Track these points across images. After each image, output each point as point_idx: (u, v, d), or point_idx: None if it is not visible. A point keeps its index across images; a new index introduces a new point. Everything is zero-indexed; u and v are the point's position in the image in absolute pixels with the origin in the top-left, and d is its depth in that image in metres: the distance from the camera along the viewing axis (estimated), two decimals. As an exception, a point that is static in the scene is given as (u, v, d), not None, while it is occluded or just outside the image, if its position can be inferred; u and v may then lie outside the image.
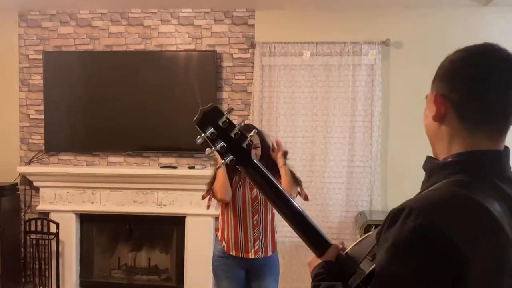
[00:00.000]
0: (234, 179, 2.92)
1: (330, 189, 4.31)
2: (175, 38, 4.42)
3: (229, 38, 4.38)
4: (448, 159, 1.06)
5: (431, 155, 1.14)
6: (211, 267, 4.29)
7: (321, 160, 4.29)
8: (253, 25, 4.34)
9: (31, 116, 4.59)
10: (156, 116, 4.38)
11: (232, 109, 1.29)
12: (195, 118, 1.24)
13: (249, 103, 4.37)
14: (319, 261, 1.29)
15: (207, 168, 4.34)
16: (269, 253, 2.93)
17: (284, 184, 2.83)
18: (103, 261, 4.71)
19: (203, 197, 3.01)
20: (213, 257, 3.06)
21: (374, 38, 4.19)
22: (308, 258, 1.36)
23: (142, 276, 4.66)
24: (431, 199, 0.97)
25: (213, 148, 1.24)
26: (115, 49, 4.47)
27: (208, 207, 3.03)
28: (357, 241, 1.30)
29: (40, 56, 4.50)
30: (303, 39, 4.25)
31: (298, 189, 2.97)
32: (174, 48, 4.42)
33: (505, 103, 1.02)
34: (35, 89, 4.56)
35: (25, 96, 4.58)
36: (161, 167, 4.41)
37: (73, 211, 4.45)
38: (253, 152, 2.86)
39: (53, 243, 4.37)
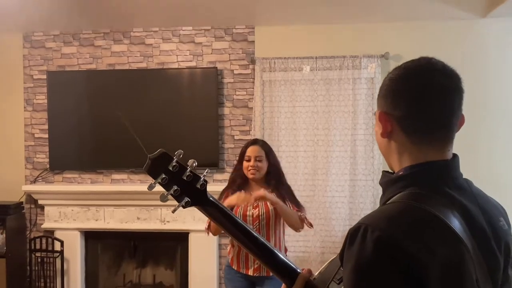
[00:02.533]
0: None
1: (333, 203, 4.31)
2: (177, 55, 4.48)
3: (229, 54, 4.43)
4: (400, 173, 1.09)
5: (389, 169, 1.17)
6: (215, 282, 4.34)
7: (323, 174, 4.30)
8: (253, 41, 4.39)
9: (36, 135, 4.65)
10: (159, 133, 4.41)
11: (181, 152, 1.27)
12: (144, 166, 1.25)
13: (250, 118, 4.40)
14: None
15: (210, 184, 4.34)
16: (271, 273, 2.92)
17: (288, 223, 2.90)
18: (108, 279, 4.73)
19: (206, 230, 3.06)
20: (225, 267, 3.18)
21: (373, 51, 4.22)
22: None
23: (148, 293, 4.68)
24: (386, 214, 1.00)
25: (167, 193, 1.25)
26: (117, 67, 4.53)
27: (208, 233, 3.06)
28: (324, 265, 1.31)
29: (44, 76, 4.58)
30: (302, 54, 4.28)
31: (303, 216, 2.95)
32: (175, 66, 4.48)
33: (444, 114, 1.06)
34: (39, 109, 4.62)
35: (30, 116, 4.64)
36: (164, 183, 4.42)
37: (77, 229, 4.48)
38: (249, 169, 2.91)
39: (58, 261, 4.40)
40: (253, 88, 4.38)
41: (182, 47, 4.47)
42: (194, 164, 1.27)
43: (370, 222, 0.97)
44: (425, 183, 1.04)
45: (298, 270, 1.34)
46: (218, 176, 4.45)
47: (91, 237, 4.57)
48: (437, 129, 1.07)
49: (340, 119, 4.29)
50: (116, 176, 4.58)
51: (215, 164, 4.37)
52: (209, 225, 3.00)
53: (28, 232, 4.62)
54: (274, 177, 3.04)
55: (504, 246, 1.08)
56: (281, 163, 4.24)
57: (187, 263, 4.41)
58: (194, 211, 4.25)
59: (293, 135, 4.34)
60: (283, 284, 1.35)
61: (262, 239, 1.35)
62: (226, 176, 4.39)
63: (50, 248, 4.43)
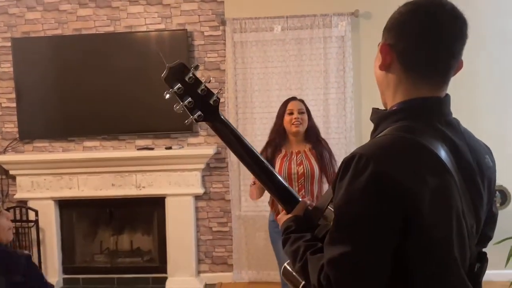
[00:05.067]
0: (278, 155, 3.07)
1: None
2: (145, 18, 4.39)
3: (199, 16, 4.36)
4: (393, 108, 1.11)
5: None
6: (193, 244, 4.38)
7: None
8: (223, 2, 4.32)
9: (3, 105, 4.53)
10: (130, 98, 4.35)
11: (198, 65, 1.29)
12: (162, 74, 1.26)
13: (223, 80, 4.37)
14: (288, 216, 1.33)
15: (184, 148, 4.35)
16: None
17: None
18: (85, 246, 4.71)
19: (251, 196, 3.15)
20: (268, 222, 3.25)
21: (343, 9, 4.22)
22: (279, 215, 1.40)
23: (125, 259, 4.67)
24: (379, 145, 1.03)
25: (181, 103, 1.26)
26: (84, 32, 4.42)
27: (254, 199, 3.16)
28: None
29: (9, 44, 4.43)
30: (273, 13, 4.25)
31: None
32: (144, 29, 4.39)
33: (447, 55, 1.09)
34: (5, 77, 4.49)
35: (-5, 85, 4.51)
36: (137, 149, 4.40)
37: (51, 198, 4.43)
38: (293, 122, 2.99)
39: (33, 230, 4.35)
40: (224, 50, 4.34)
41: (150, 9, 4.38)
42: (210, 79, 1.29)
43: (364, 151, 1.00)
44: (417, 118, 1.07)
45: (299, 198, 1.38)
46: (192, 140, 4.43)
47: (66, 206, 4.53)
48: (434, 68, 1.09)
49: (313, 79, 4.30)
50: (88, 143, 4.52)
51: (188, 128, 4.35)
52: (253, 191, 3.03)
53: (0, 203, 4.54)
54: (313, 133, 3.15)
55: (487, 182, 1.13)
56: (255, 124, 4.31)
57: (164, 228, 4.42)
58: (169, 176, 4.26)
59: (266, 96, 4.33)
60: (283, 210, 1.38)
61: (267, 164, 1.37)
62: (201, 139, 4.41)
63: (24, 218, 4.38)
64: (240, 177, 4.35)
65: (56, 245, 4.49)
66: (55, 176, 4.39)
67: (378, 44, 1.17)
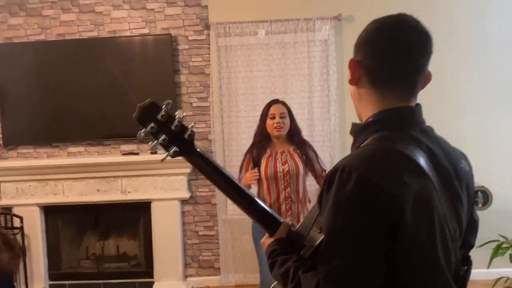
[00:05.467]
0: (263, 155, 3.14)
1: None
2: (128, 23, 4.38)
3: (183, 20, 4.37)
4: (369, 119, 1.15)
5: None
6: (180, 249, 4.37)
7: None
8: (206, 6, 4.34)
9: (-14, 111, 4.50)
10: (115, 103, 4.35)
11: (170, 102, 1.29)
12: (134, 115, 1.26)
13: (208, 85, 4.38)
14: (271, 239, 1.35)
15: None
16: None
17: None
18: (71, 252, 4.69)
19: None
20: (252, 224, 3.24)
21: (326, 13, 4.26)
22: (262, 239, 1.41)
23: (112, 264, 4.66)
24: (360, 155, 1.06)
25: (156, 141, 1.27)
26: (67, 37, 4.40)
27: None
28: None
29: (-9, 49, 4.40)
30: (257, 18, 4.27)
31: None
32: (128, 34, 4.39)
33: (412, 69, 1.13)
34: (-12, 83, 4.46)
35: (-22, 91, 4.47)
36: (122, 154, 4.39)
37: (36, 204, 4.41)
38: (275, 126, 3.06)
39: (18, 237, 4.31)
40: (209, 54, 4.35)
41: (134, 13, 4.38)
42: (183, 115, 1.30)
43: (347, 163, 1.03)
44: (392, 127, 1.11)
45: (281, 220, 1.39)
46: (177, 144, 4.43)
47: (51, 212, 4.51)
48: (399, 83, 1.13)
49: (297, 82, 4.33)
50: (72, 149, 4.50)
51: (174, 132, 4.35)
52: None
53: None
54: (296, 134, 3.23)
55: (465, 187, 1.16)
56: (240, 128, 4.32)
57: (150, 233, 4.42)
58: (155, 181, 4.26)
59: (251, 100, 4.35)
60: (266, 234, 1.39)
61: (247, 190, 1.40)
62: (186, 143, 4.40)
63: (9, 225, 4.34)
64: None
65: (42, 252, 4.47)
66: (40, 182, 4.36)
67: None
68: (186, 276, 4.51)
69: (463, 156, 1.23)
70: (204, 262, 4.53)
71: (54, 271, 4.55)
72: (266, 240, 1.37)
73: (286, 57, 4.33)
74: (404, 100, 1.13)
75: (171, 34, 4.33)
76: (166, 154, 1.30)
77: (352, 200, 0.98)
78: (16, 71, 4.38)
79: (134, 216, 4.57)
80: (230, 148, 4.33)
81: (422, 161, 1.05)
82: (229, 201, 4.29)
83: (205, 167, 1.36)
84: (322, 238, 1.11)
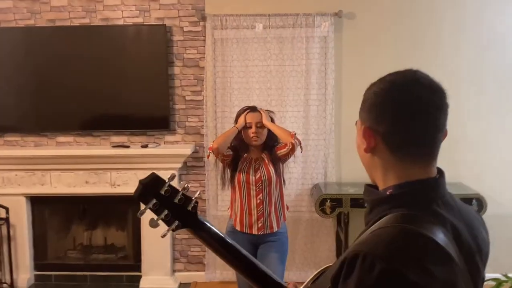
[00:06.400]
0: (240, 160, 3.10)
1: (286, 162, 4.29)
2: (122, 11, 4.23)
3: (178, 10, 4.22)
4: (388, 191, 1.06)
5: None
6: (169, 241, 4.34)
7: (276, 135, 4.26)
8: (203, -3, 4.20)
9: (-28, 96, 4.36)
10: (106, 93, 4.24)
11: (174, 175, 1.23)
12: (134, 192, 1.19)
13: (202, 78, 4.27)
14: None
15: (161, 147, 4.26)
16: (275, 229, 3.10)
17: (280, 136, 3.08)
18: (58, 242, 4.62)
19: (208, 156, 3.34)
20: (225, 233, 3.16)
21: (326, 9, 4.13)
22: None
23: (99, 255, 4.61)
24: (383, 240, 0.97)
25: (157, 218, 1.20)
26: (58, 23, 4.25)
27: (208, 156, 3.37)
28: (308, 279, 1.28)
29: (-22, 33, 4.24)
30: (255, 11, 4.14)
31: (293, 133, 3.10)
32: (121, 22, 4.24)
33: (429, 131, 1.04)
34: (-26, 68, 4.31)
35: (-36, 75, 4.32)
36: (112, 146, 4.29)
37: (23, 194, 4.31)
38: (251, 137, 3.03)
39: (4, 228, 4.24)
40: (204, 46, 4.23)
41: (128, 1, 4.22)
42: (187, 186, 1.24)
43: (368, 250, 0.94)
44: (415, 203, 1.02)
45: (284, 286, 1.33)
46: (169, 138, 4.34)
47: (38, 202, 4.42)
48: (422, 146, 1.05)
49: (293, 79, 4.23)
50: (61, 138, 4.39)
51: (166, 126, 4.26)
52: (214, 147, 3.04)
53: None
54: (271, 142, 3.16)
55: (484, 256, 1.10)
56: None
57: (139, 225, 4.35)
58: (145, 175, 4.16)
59: (246, 95, 4.25)
60: None
61: (251, 259, 1.34)
62: (178, 137, 4.33)
63: (-6, 214, 4.26)
64: (217, 176, 4.27)
65: (28, 242, 4.39)
66: (27, 172, 4.26)
67: (356, 122, 1.13)
68: (174, 271, 4.46)
69: (481, 222, 1.17)
70: (192, 257, 4.49)
71: (40, 262, 4.48)
72: None
73: (283, 52, 4.22)
74: (426, 166, 1.05)
75: (165, 24, 4.19)
76: (167, 229, 1.22)
77: None
78: (4, 57, 4.24)
79: (123, 209, 4.50)
80: (223, 144, 4.23)
81: (446, 242, 0.98)
82: (220, 197, 4.28)
83: (209, 238, 1.31)
84: None
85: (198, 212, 1.27)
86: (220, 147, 3.01)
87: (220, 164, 3.19)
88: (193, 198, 1.24)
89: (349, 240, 3.85)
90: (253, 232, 3.07)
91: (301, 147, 3.19)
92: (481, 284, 1.11)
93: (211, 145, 3.06)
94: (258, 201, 3.06)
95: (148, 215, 1.22)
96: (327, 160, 4.30)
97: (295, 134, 3.09)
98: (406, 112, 1.02)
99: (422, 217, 1.00)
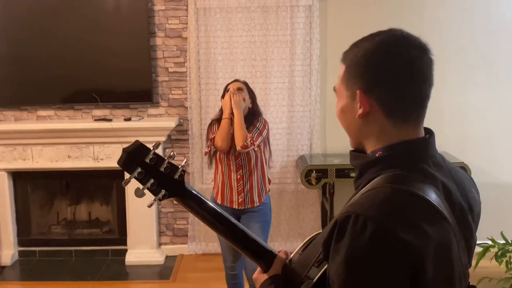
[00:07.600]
0: None
1: (271, 134, 4.26)
2: (101, -20, 4.11)
3: (159, -21, 4.12)
4: (378, 153, 1.04)
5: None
6: (154, 214, 4.31)
7: (261, 106, 4.19)
8: (185, -36, 4.09)
9: None
10: (87, 65, 4.13)
11: (159, 142, 1.19)
12: (118, 160, 1.14)
13: (185, 49, 4.19)
14: (265, 276, 1.26)
15: (144, 120, 4.20)
16: (256, 204, 3.08)
17: (236, 131, 2.95)
18: (41, 218, 4.56)
19: (206, 153, 3.16)
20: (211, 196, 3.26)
21: (311, -22, 4.05)
22: (254, 274, 1.33)
23: (83, 230, 4.57)
24: (375, 201, 0.95)
25: (143, 187, 1.16)
26: (35, -7, 4.11)
27: (205, 153, 3.16)
28: (299, 246, 1.27)
29: (-49, 3, 4.09)
30: (238, -21, 4.05)
31: (250, 137, 3.00)
32: (100, -9, 4.12)
33: (423, 92, 1.03)
34: (-52, 40, 4.17)
35: None
36: (95, 120, 4.22)
37: (4, 170, 4.23)
38: (232, 93, 2.88)
39: (-15, 203, 4.17)
40: (186, 16, 4.14)
41: (107, -30, 4.10)
42: (172, 154, 1.19)
43: (360, 211, 0.92)
44: (405, 164, 1.01)
45: (275, 253, 1.30)
46: (152, 110, 4.28)
47: (20, 177, 4.35)
48: (415, 108, 1.04)
49: (278, 50, 4.18)
50: (42, 112, 4.29)
51: (149, 99, 4.19)
52: (213, 140, 3.01)
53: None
54: (253, 116, 3.10)
55: (476, 216, 1.11)
56: (218, 96, 4.16)
57: (123, 199, 4.31)
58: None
59: (230, 67, 4.19)
60: (258, 268, 1.30)
61: (240, 226, 1.31)
62: (161, 110, 4.27)
63: (-25, 191, 4.18)
64: (202, 149, 4.25)
65: (11, 218, 4.33)
66: (8, 147, 4.18)
67: (334, 88, 1.11)
68: (160, 244, 4.45)
69: (472, 184, 1.16)
70: (178, 230, 4.47)
71: (24, 237, 4.43)
72: (259, 276, 1.28)
73: (267, 22, 4.15)
74: (416, 127, 1.04)
75: (146, -7, 4.09)
76: (154, 199, 1.18)
77: (369, 254, 0.90)
78: (-21, 28, 4.10)
79: (107, 183, 4.45)
80: (207, 116, 4.17)
81: (438, 201, 0.97)
82: (205, 170, 4.25)
83: (197, 207, 1.27)
84: (320, 273, 1.06)
85: (186, 181, 1.22)
86: (225, 144, 2.96)
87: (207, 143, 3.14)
88: (179, 167, 1.20)
89: (334, 210, 3.86)
90: (234, 207, 3.06)
91: (254, 150, 3.04)
92: (474, 245, 1.11)
93: (216, 144, 2.98)
94: (238, 177, 3.04)
95: (133, 185, 1.18)
96: (312, 132, 4.28)
97: (252, 138, 2.96)
98: (402, 74, 1.00)
99: (413, 177, 0.99)
